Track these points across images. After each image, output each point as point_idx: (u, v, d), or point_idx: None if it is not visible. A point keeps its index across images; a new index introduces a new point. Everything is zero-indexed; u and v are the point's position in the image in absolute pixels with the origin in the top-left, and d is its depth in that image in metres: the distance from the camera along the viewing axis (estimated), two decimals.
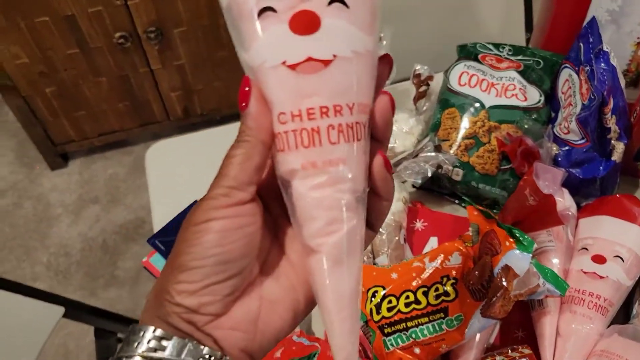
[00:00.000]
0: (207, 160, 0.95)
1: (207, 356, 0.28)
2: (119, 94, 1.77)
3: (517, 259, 0.62)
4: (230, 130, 1.01)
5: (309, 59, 0.28)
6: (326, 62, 0.28)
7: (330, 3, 0.28)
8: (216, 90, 1.87)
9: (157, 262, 0.79)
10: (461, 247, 0.66)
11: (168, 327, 0.28)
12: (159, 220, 0.85)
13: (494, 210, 0.81)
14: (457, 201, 0.84)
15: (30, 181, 1.91)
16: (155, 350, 0.28)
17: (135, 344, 0.28)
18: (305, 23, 0.28)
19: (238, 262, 0.29)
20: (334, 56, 0.28)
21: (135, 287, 1.66)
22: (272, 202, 0.33)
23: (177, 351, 0.28)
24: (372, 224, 0.33)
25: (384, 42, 0.86)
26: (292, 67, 0.28)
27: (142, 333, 0.28)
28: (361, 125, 0.30)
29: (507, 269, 0.62)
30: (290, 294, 0.32)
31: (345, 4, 0.28)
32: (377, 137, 0.31)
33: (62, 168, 1.93)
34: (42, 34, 1.55)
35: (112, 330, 0.99)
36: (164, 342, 0.28)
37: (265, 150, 0.30)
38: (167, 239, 0.80)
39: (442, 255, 0.65)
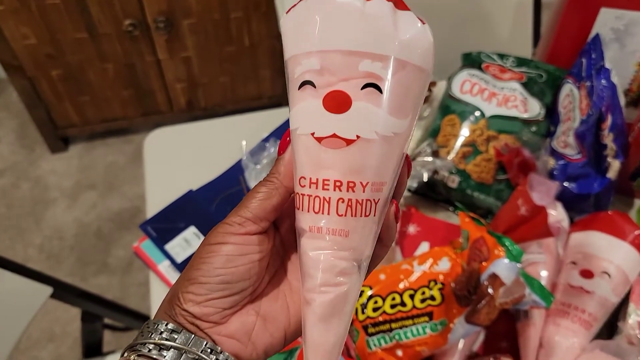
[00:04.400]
0: (205, 150, 0.96)
1: (208, 350, 0.32)
2: (124, 81, 1.78)
3: (505, 268, 0.63)
4: (229, 123, 1.02)
5: (334, 136, 0.31)
6: (349, 142, 0.31)
7: (364, 87, 0.30)
8: (221, 85, 1.87)
9: (148, 248, 0.79)
10: (451, 253, 0.66)
11: (177, 325, 0.33)
12: (154, 206, 0.86)
13: (488, 220, 0.81)
14: (451, 208, 0.84)
15: (30, 163, 1.91)
16: (167, 339, 0.32)
17: (150, 334, 0.33)
18: (337, 103, 0.30)
19: (239, 284, 0.34)
20: (357, 137, 0.30)
21: (126, 276, 1.66)
22: (288, 229, 0.37)
23: (184, 342, 0.32)
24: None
25: None
26: (319, 139, 0.31)
27: (156, 326, 0.33)
28: (372, 203, 0.32)
29: (494, 277, 0.62)
30: (284, 315, 0.36)
31: (379, 89, 0.30)
32: (381, 237, 0.34)
33: (62, 152, 1.94)
34: (52, 16, 1.56)
35: (99, 314, 0.99)
36: (174, 335, 0.32)
37: (286, 194, 0.34)
38: (160, 226, 0.80)
39: (431, 260, 0.66)
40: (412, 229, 0.80)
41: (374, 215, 0.32)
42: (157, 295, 0.77)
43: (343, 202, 0.31)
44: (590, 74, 0.73)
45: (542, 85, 0.82)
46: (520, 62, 0.83)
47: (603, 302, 0.65)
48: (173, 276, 0.76)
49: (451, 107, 0.82)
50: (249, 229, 0.33)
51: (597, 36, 0.75)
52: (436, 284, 0.64)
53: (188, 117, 1.98)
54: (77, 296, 0.93)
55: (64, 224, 1.78)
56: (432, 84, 0.88)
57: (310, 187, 0.32)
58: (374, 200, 0.32)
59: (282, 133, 0.91)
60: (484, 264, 0.62)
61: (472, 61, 0.85)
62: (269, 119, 0.96)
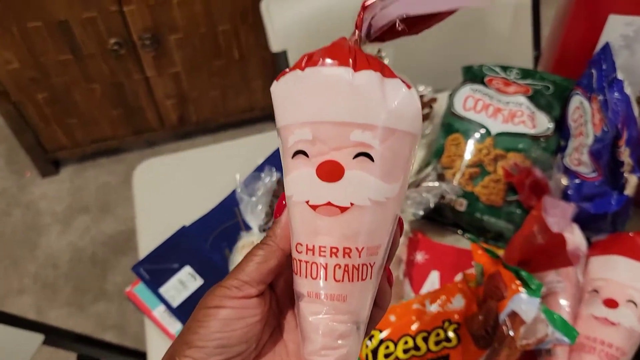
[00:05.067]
0: (197, 180, 0.91)
1: None
2: (112, 100, 1.73)
3: (524, 304, 0.58)
4: (221, 150, 0.97)
5: (329, 204, 0.31)
6: (343, 209, 0.31)
7: (356, 156, 0.31)
8: (212, 99, 1.82)
9: (142, 292, 0.74)
10: (464, 289, 0.62)
11: None
12: (145, 244, 0.81)
13: (499, 243, 0.77)
14: (459, 231, 0.80)
15: (20, 188, 1.86)
16: None
17: None
18: (330, 172, 0.31)
19: (236, 347, 0.33)
20: (351, 204, 0.31)
21: (125, 302, 1.61)
22: (283, 289, 0.37)
23: None
24: None
25: (386, 61, 0.82)
26: (313, 207, 0.32)
27: None
28: (368, 266, 0.32)
29: (513, 315, 0.58)
30: None
31: (370, 157, 0.31)
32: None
33: (53, 175, 1.89)
34: (34, 39, 1.51)
35: (96, 357, 0.94)
36: None
37: (283, 258, 0.34)
38: (153, 267, 0.76)
39: (443, 297, 0.61)
40: (419, 257, 0.76)
41: (371, 278, 0.33)
42: (153, 343, 0.72)
43: (340, 267, 0.32)
44: (602, 86, 0.68)
45: (549, 97, 0.77)
46: (525, 73, 0.79)
47: (630, 334, 0.61)
48: (169, 322, 0.72)
49: (454, 126, 0.78)
50: (247, 292, 0.34)
51: (607, 45, 0.70)
52: (451, 323, 0.60)
53: (180, 132, 1.93)
54: (71, 341, 0.88)
55: (58, 251, 1.73)
56: (433, 100, 0.83)
57: (307, 254, 0.32)
58: (369, 264, 0.32)
59: (275, 159, 0.87)
60: (502, 301, 0.57)
61: (473, 75, 0.81)
62: (262, 143, 0.92)
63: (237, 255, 0.72)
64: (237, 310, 0.33)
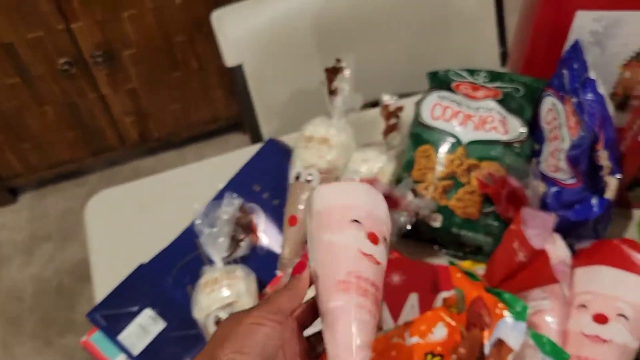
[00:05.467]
0: (153, 211, 0.85)
1: None
2: (67, 122, 1.65)
3: (510, 329, 0.54)
4: (177, 176, 0.90)
5: (371, 255, 0.46)
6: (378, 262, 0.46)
7: (384, 239, 0.48)
8: (173, 113, 1.75)
9: (99, 341, 0.68)
10: (445, 317, 0.57)
11: None
12: (101, 285, 0.75)
13: (479, 257, 0.73)
14: (436, 247, 0.75)
15: None
16: None
17: None
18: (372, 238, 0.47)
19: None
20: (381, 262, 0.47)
21: None
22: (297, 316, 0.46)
23: None
24: None
25: (347, 72, 0.77)
26: (365, 254, 0.46)
27: None
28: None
29: (500, 344, 0.53)
30: None
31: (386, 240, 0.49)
32: None
33: (10, 204, 1.79)
34: None
35: None
36: None
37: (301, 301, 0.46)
38: (110, 312, 0.70)
39: (424, 327, 0.57)
40: (396, 278, 0.71)
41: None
42: None
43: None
44: (575, 87, 0.65)
45: (520, 100, 0.74)
46: (493, 76, 0.75)
47: (624, 350, 0.57)
48: None
49: (423, 136, 0.74)
50: (279, 317, 0.42)
51: (577, 43, 0.67)
52: (434, 356, 0.56)
53: (142, 149, 1.86)
54: None
55: (21, 282, 1.65)
56: (399, 109, 0.79)
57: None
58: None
59: (236, 185, 0.81)
60: (486, 332, 0.53)
61: (440, 82, 0.76)
62: (222, 165, 0.86)
63: (200, 294, 0.67)
64: (274, 330, 0.42)
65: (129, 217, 0.82)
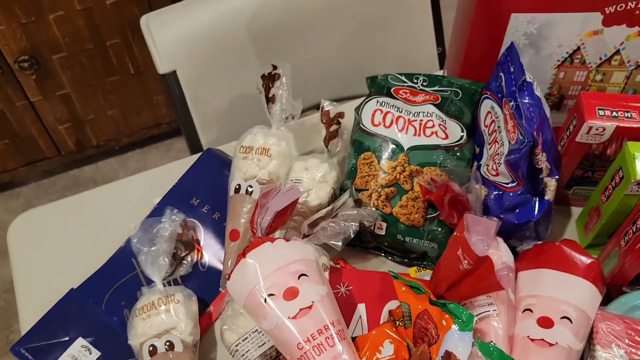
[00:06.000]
0: (84, 230, 0.79)
1: None
2: None
3: (457, 340, 0.53)
4: (109, 191, 0.85)
5: (300, 309, 0.55)
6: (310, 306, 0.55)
7: (300, 276, 0.57)
8: (110, 118, 1.68)
9: None
10: (391, 333, 0.56)
11: None
12: (28, 316, 0.70)
13: (425, 263, 0.72)
14: (383, 254, 0.74)
15: None
16: None
17: None
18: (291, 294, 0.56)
19: None
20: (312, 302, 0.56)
21: None
22: None
23: None
24: None
25: (284, 79, 0.75)
26: (294, 317, 0.55)
27: None
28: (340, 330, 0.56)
29: (447, 356, 0.52)
30: None
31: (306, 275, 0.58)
32: None
33: None
34: None
35: None
36: None
37: None
38: (37, 345, 0.65)
39: (371, 348, 0.55)
40: (343, 289, 0.70)
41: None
42: None
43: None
44: (512, 91, 0.64)
45: (458, 103, 0.73)
46: (432, 80, 0.74)
47: (568, 353, 0.57)
48: None
49: (365, 143, 0.72)
50: None
51: (512, 46, 0.67)
52: None
53: (80, 158, 1.77)
54: None
55: None
56: (340, 114, 0.77)
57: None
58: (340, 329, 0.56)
59: (173, 198, 0.77)
60: (433, 347, 0.52)
61: (379, 87, 0.75)
62: (157, 177, 0.82)
63: (137, 319, 0.63)
64: None
65: (56, 239, 0.77)
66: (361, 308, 0.69)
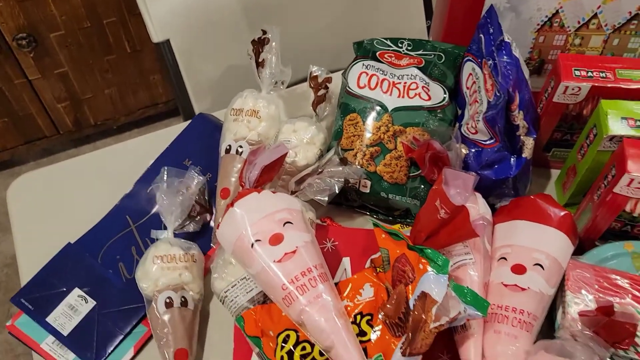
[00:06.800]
0: (79, 192, 0.82)
1: None
2: None
3: (433, 282, 0.56)
4: (101, 157, 0.88)
5: (285, 254, 0.59)
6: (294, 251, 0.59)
7: (285, 224, 0.61)
8: (108, 97, 1.71)
9: (25, 325, 0.66)
10: (372, 277, 0.59)
11: None
12: (29, 271, 0.73)
13: (408, 220, 0.75)
14: (368, 213, 0.77)
15: None
16: None
17: None
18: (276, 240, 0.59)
19: None
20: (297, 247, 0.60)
21: None
22: None
23: None
24: None
25: (273, 44, 0.77)
26: (279, 260, 0.58)
27: None
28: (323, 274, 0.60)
29: (423, 296, 0.55)
30: None
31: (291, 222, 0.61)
32: None
33: None
34: None
35: None
36: None
37: None
38: (36, 296, 0.68)
39: (352, 290, 0.58)
40: (329, 244, 0.73)
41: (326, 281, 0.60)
42: None
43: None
44: (490, 50, 0.67)
45: (441, 67, 0.76)
46: (416, 44, 0.77)
47: (540, 298, 0.60)
48: (60, 353, 0.64)
49: (351, 105, 0.75)
50: None
51: (491, 8, 0.69)
52: (363, 316, 0.57)
53: (78, 137, 1.80)
54: None
55: None
56: (327, 79, 0.79)
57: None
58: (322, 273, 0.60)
59: (166, 159, 0.80)
60: (410, 286, 0.55)
61: (365, 51, 0.77)
62: (151, 144, 0.84)
63: (155, 266, 0.64)
64: None
65: (54, 200, 0.80)
66: (346, 261, 0.72)
